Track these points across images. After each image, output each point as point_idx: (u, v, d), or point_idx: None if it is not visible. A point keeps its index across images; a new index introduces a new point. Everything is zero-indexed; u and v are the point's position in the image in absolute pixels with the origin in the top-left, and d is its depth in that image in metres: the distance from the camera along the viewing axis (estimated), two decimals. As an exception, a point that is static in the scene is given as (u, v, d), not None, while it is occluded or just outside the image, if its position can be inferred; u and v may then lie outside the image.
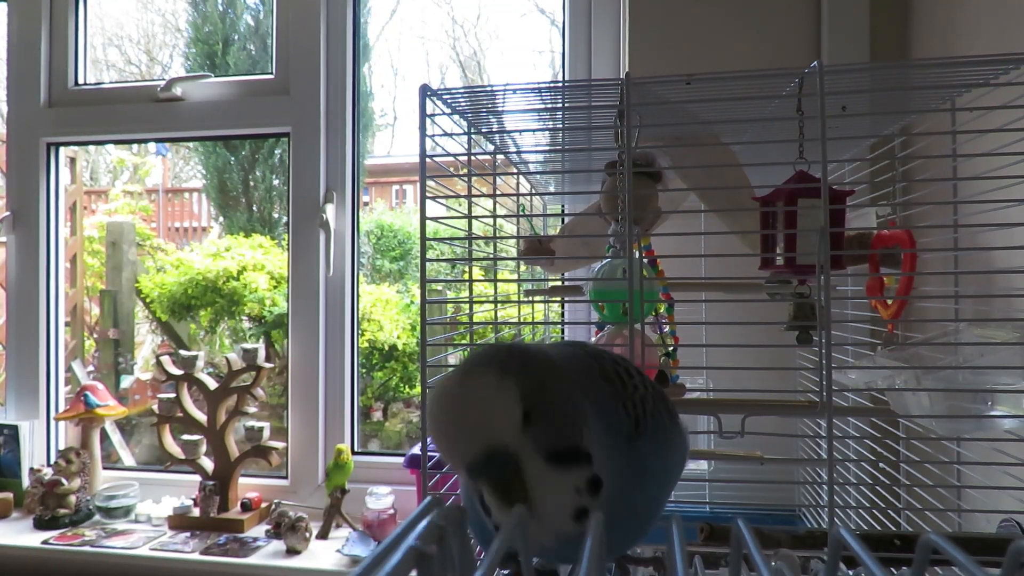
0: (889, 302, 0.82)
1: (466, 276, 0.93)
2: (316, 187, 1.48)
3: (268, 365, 1.44)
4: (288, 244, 1.50)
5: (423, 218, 0.74)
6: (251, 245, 2.53)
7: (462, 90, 0.76)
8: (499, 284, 1.17)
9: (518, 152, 1.04)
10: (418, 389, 0.76)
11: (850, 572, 0.60)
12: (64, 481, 1.40)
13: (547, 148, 1.04)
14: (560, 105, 0.83)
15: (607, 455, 0.40)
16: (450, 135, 0.78)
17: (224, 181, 2.80)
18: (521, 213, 1.19)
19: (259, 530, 1.35)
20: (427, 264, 0.74)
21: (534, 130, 0.93)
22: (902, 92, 0.77)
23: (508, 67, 2.96)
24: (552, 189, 1.27)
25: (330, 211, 1.46)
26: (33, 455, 1.55)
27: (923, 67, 0.72)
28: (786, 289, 0.79)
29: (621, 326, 0.78)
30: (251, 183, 2.81)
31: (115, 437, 2.05)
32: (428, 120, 0.74)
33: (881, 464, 0.89)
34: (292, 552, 1.23)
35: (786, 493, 1.15)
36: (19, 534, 1.34)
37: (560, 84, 0.87)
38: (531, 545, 0.40)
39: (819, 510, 1.06)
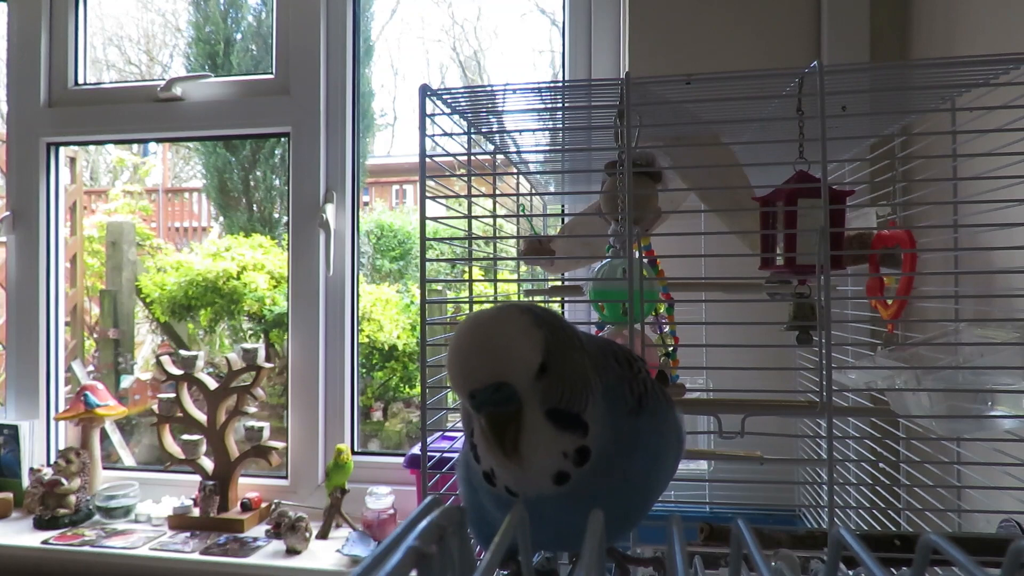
0: (889, 302, 0.82)
1: (466, 276, 0.93)
2: (316, 187, 1.48)
3: (268, 365, 1.44)
4: (288, 244, 1.50)
5: (423, 218, 0.74)
6: (251, 245, 2.53)
7: (462, 90, 0.76)
8: (499, 284, 1.17)
9: (518, 152, 1.04)
10: (418, 389, 0.76)
11: (850, 572, 0.60)
12: (64, 481, 1.40)
13: (547, 148, 1.04)
14: (560, 105, 0.84)
15: (605, 430, 0.41)
16: (450, 135, 0.78)
17: (224, 181, 2.80)
18: (521, 213, 1.19)
19: (259, 530, 1.35)
20: (427, 264, 0.74)
21: (534, 130, 0.93)
22: (902, 92, 0.77)
23: (508, 67, 2.96)
24: (552, 189, 1.26)
25: (330, 211, 1.46)
26: (33, 455, 1.55)
27: (923, 67, 0.72)
28: (786, 289, 0.79)
29: (621, 326, 0.78)
30: (251, 183, 2.81)
31: (115, 437, 2.05)
32: (428, 120, 0.74)
33: (881, 464, 0.89)
34: (292, 552, 1.23)
35: (786, 493, 1.15)
36: (19, 534, 1.34)
37: (560, 84, 0.87)
38: (517, 484, 0.41)
39: (819, 510, 1.06)
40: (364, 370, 2.37)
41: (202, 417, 1.44)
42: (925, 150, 0.92)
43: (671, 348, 0.83)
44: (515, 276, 1.23)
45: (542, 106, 0.83)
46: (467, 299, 0.90)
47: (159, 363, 1.47)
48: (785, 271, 0.74)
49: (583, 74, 1.37)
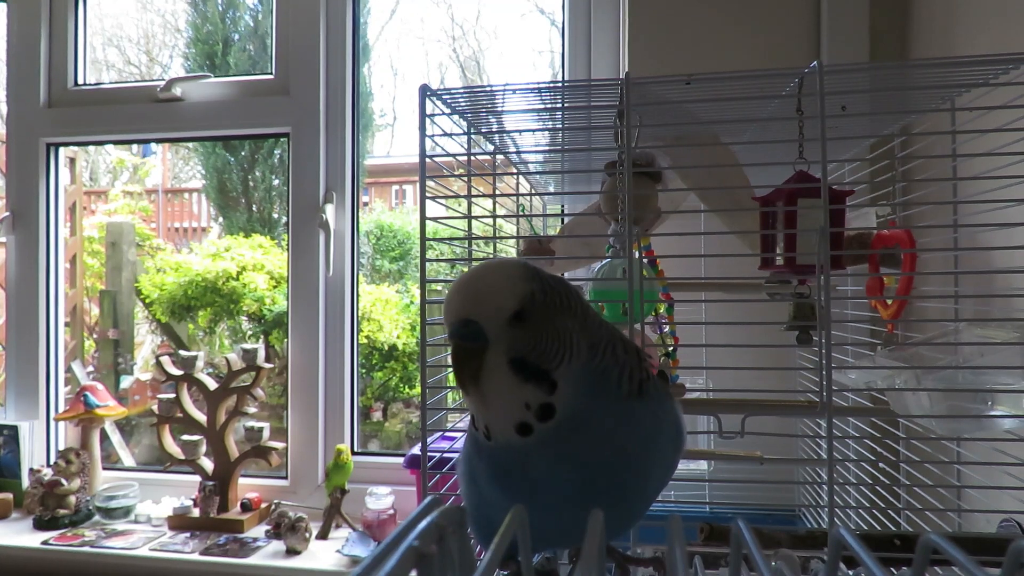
0: (889, 302, 0.82)
1: (466, 276, 0.93)
2: (316, 187, 1.48)
3: (268, 365, 1.44)
4: (288, 244, 1.50)
5: (423, 218, 0.74)
6: (251, 245, 2.53)
7: (462, 90, 0.76)
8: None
9: (518, 152, 1.04)
10: (418, 389, 0.76)
11: (850, 572, 0.60)
12: (64, 481, 1.40)
13: (547, 148, 1.04)
14: (560, 105, 0.84)
15: (582, 398, 0.42)
16: (450, 135, 0.78)
17: (224, 181, 2.80)
18: (521, 213, 1.19)
19: (259, 530, 1.35)
20: (427, 264, 0.74)
21: (534, 130, 0.93)
22: (902, 92, 0.77)
23: (508, 67, 2.96)
24: (552, 189, 1.26)
25: (330, 211, 1.46)
26: (33, 455, 1.54)
27: (923, 67, 0.72)
28: (786, 289, 0.79)
29: (621, 326, 0.78)
30: (251, 183, 2.81)
31: (115, 437, 2.05)
32: (428, 120, 0.74)
33: (881, 464, 0.89)
34: (292, 552, 1.23)
35: (786, 493, 1.15)
36: (19, 534, 1.34)
37: (560, 84, 0.87)
38: (489, 425, 0.43)
39: (819, 510, 1.06)
40: (364, 370, 2.37)
41: (202, 417, 1.44)
42: (925, 150, 0.92)
43: (671, 348, 0.83)
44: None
45: (542, 106, 0.83)
46: (467, 299, 0.90)
47: (159, 363, 1.47)
48: (785, 271, 0.74)
49: (583, 74, 1.37)
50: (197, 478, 1.42)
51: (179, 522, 1.36)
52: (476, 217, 0.83)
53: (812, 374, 1.03)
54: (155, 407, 1.47)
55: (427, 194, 0.74)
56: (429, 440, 0.75)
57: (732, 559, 0.32)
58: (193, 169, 3.27)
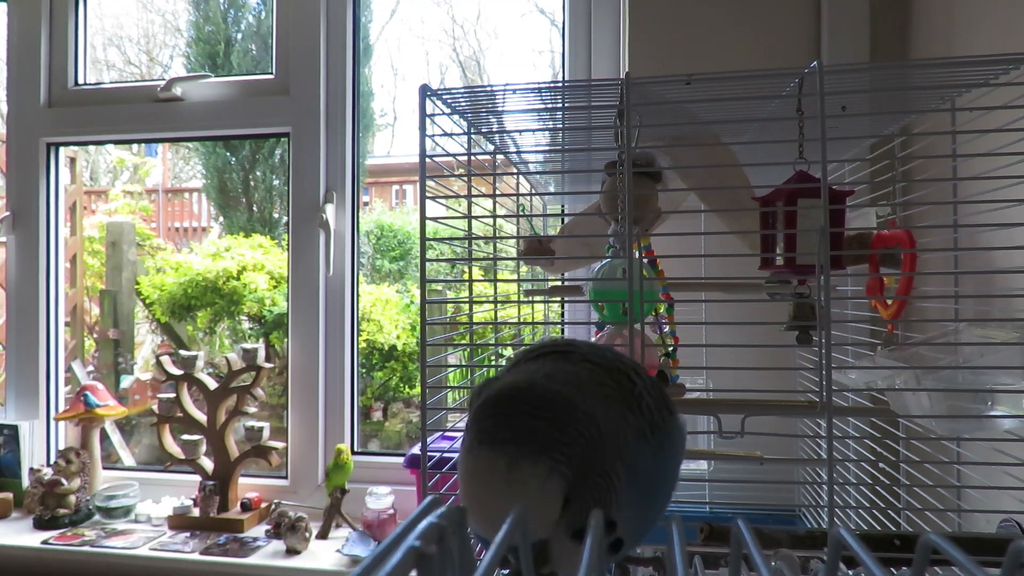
0: (889, 302, 0.82)
1: (466, 276, 0.93)
2: (316, 187, 1.48)
3: (268, 365, 1.44)
4: (288, 244, 1.50)
5: (423, 218, 0.74)
6: (251, 245, 2.53)
7: (462, 90, 0.76)
8: (499, 284, 1.17)
9: (518, 152, 1.04)
10: (418, 389, 0.76)
11: (850, 572, 0.60)
12: (64, 481, 1.40)
13: (547, 148, 1.04)
14: (560, 105, 0.83)
15: (628, 507, 0.40)
16: (450, 135, 0.78)
17: (224, 181, 2.80)
18: (521, 213, 1.19)
19: (259, 530, 1.35)
20: (427, 264, 0.74)
21: (534, 130, 0.93)
22: (902, 92, 0.77)
23: (508, 67, 2.96)
24: (552, 189, 1.27)
25: (330, 211, 1.46)
26: (33, 455, 1.54)
27: (923, 67, 0.72)
28: (786, 289, 0.79)
29: (621, 326, 0.78)
30: (251, 183, 2.81)
31: (115, 437, 2.05)
32: (428, 120, 0.74)
33: (881, 464, 0.89)
34: (292, 552, 1.23)
35: (786, 493, 1.15)
36: (19, 534, 1.34)
37: (560, 84, 0.87)
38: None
39: (819, 510, 1.06)
40: (364, 370, 2.37)
41: (202, 417, 1.44)
42: (925, 150, 0.92)
43: (671, 348, 0.83)
44: (515, 276, 1.23)
45: (542, 106, 0.83)
46: (467, 299, 0.90)
47: (159, 363, 1.47)
48: (785, 271, 0.74)
49: (583, 74, 1.37)
50: (197, 478, 1.42)
51: (179, 522, 1.36)
52: (476, 217, 0.83)
53: (812, 374, 1.03)
54: (155, 407, 1.47)
55: (427, 194, 0.74)
56: (429, 440, 0.75)
57: (732, 559, 0.32)
58: (193, 169, 3.28)
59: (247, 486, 1.45)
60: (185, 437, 1.43)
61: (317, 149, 1.48)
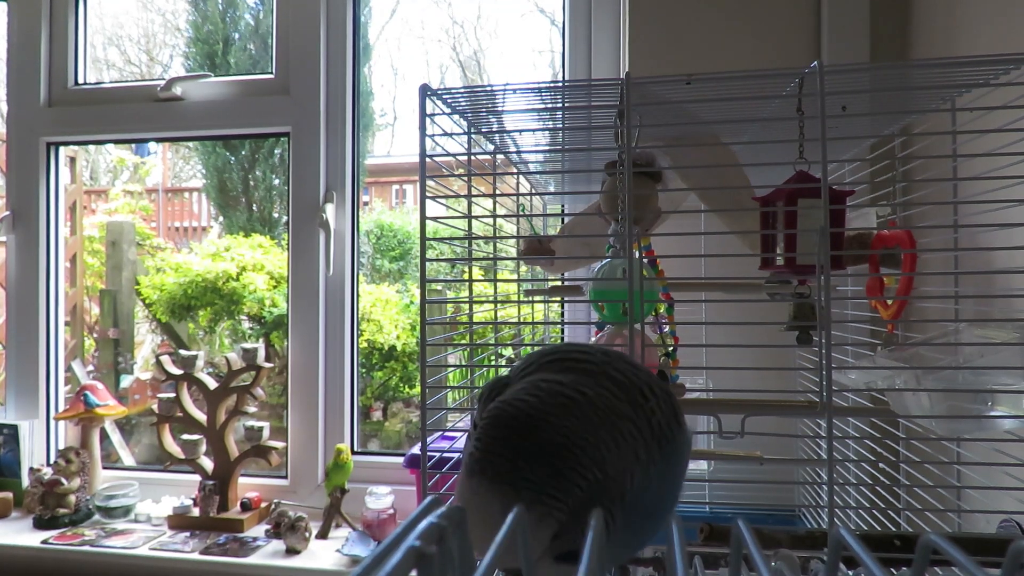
0: (889, 302, 0.82)
1: (466, 276, 0.93)
2: (316, 187, 1.48)
3: (268, 365, 1.44)
4: (288, 244, 1.50)
5: (423, 218, 0.74)
6: (251, 245, 2.53)
7: (462, 90, 0.76)
8: (499, 284, 1.17)
9: (518, 152, 1.04)
10: (418, 389, 0.76)
11: (850, 572, 0.60)
12: (64, 481, 1.40)
13: (547, 148, 1.04)
14: (560, 105, 0.83)
15: (626, 504, 0.40)
16: (450, 135, 0.78)
17: (224, 181, 2.80)
18: (521, 213, 1.19)
19: (259, 530, 1.35)
20: (427, 264, 0.74)
21: (534, 130, 0.93)
22: (902, 92, 0.77)
23: (508, 67, 2.96)
24: (552, 189, 1.26)
25: (330, 211, 1.46)
26: (33, 455, 1.54)
27: (923, 67, 0.72)
28: (786, 289, 0.79)
29: (621, 326, 0.78)
30: (251, 183, 2.81)
31: (115, 437, 2.05)
32: (428, 120, 0.74)
33: (881, 464, 0.89)
34: (292, 552, 1.23)
35: (786, 493, 1.15)
36: (19, 534, 1.34)
37: (560, 84, 0.87)
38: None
39: (819, 510, 1.06)
40: (364, 370, 2.37)
41: (202, 417, 1.44)
42: (925, 150, 0.92)
43: (671, 348, 0.83)
44: (515, 276, 1.23)
45: (542, 106, 0.83)
46: (467, 299, 0.90)
47: (159, 363, 1.47)
48: (785, 271, 0.74)
49: (583, 74, 1.37)
50: (197, 477, 1.42)
51: (179, 521, 1.36)
52: (476, 217, 0.83)
53: (812, 374, 1.03)
54: (155, 406, 1.47)
55: (427, 194, 0.74)
56: (429, 440, 0.75)
57: (732, 559, 0.32)
58: (193, 168, 3.28)
59: (247, 486, 1.45)
60: (185, 437, 1.43)
61: (317, 149, 1.48)
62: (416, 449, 1.18)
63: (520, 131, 0.93)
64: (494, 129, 0.92)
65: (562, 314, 1.39)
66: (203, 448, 1.43)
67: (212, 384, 1.44)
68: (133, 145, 2.97)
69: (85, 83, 1.62)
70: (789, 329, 0.78)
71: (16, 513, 1.45)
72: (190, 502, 1.38)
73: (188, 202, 3.25)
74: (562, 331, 1.38)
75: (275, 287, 2.43)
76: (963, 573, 0.23)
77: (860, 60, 1.14)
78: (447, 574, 0.26)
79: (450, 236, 0.84)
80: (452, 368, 1.06)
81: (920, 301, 0.87)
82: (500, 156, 1.01)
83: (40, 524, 1.37)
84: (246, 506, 1.38)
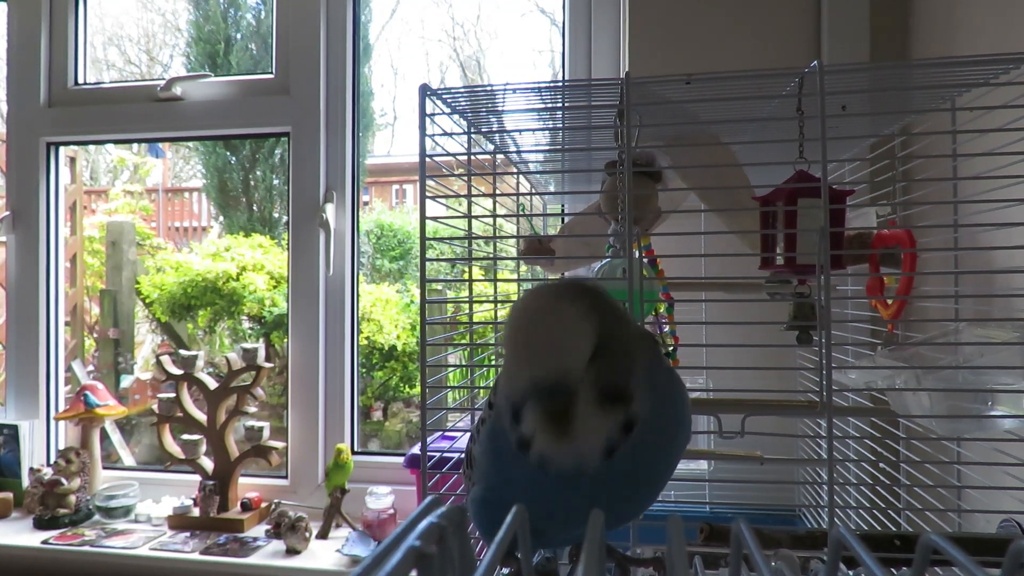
0: (889, 302, 0.82)
1: (466, 276, 0.93)
2: (316, 187, 1.48)
3: (268, 365, 1.44)
4: (288, 244, 1.50)
5: (423, 218, 0.74)
6: (251, 245, 2.53)
7: (462, 90, 0.76)
8: (499, 284, 1.17)
9: (518, 152, 1.04)
10: (418, 389, 0.76)
11: (850, 572, 0.60)
12: (64, 481, 1.40)
13: (547, 148, 1.04)
14: (560, 105, 0.83)
15: (646, 397, 0.43)
16: (450, 135, 0.78)
17: (224, 181, 2.80)
18: (521, 213, 1.19)
19: (259, 530, 1.35)
20: (427, 264, 0.74)
21: (534, 130, 0.92)
22: (902, 92, 0.77)
23: (508, 67, 2.96)
24: (552, 189, 1.26)
25: (330, 211, 1.46)
26: (33, 455, 1.54)
27: (923, 67, 0.72)
28: (786, 289, 0.79)
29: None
30: (251, 183, 2.81)
31: (115, 437, 2.05)
32: (428, 120, 0.74)
33: (881, 464, 0.89)
34: (292, 552, 1.23)
35: (786, 493, 1.15)
36: (19, 534, 1.34)
37: (560, 84, 0.87)
38: (561, 458, 0.41)
39: (819, 510, 1.06)
40: (364, 370, 2.37)
41: (202, 417, 1.44)
42: (925, 150, 0.92)
43: (671, 348, 0.83)
44: (515, 276, 1.23)
45: (542, 106, 0.83)
46: (467, 299, 0.90)
47: (159, 363, 1.47)
48: (785, 271, 0.74)
49: (583, 74, 1.37)
50: (197, 477, 1.42)
51: (179, 522, 1.36)
52: (476, 217, 0.83)
53: (812, 374, 1.03)
54: (155, 406, 1.47)
55: (427, 194, 0.74)
56: (429, 440, 0.75)
57: (732, 559, 0.32)
58: (193, 168, 3.28)
59: (247, 486, 1.45)
60: (185, 437, 1.43)
61: (317, 149, 1.48)
62: (416, 449, 1.18)
63: (520, 131, 0.93)
64: (494, 129, 0.92)
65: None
66: (203, 448, 1.43)
67: (212, 384, 1.44)
68: (146, 146, 2.97)
69: (85, 83, 1.62)
70: (789, 329, 0.78)
71: (16, 513, 1.45)
72: (190, 502, 1.38)
73: (188, 202, 3.25)
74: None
75: (275, 287, 2.43)
76: (963, 573, 0.23)
77: (860, 60, 1.14)
78: (447, 574, 0.26)
79: (450, 236, 0.84)
80: (452, 368, 1.06)
81: (920, 301, 0.87)
82: (500, 156, 1.01)
83: (40, 524, 1.37)
84: (246, 506, 1.38)
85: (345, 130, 1.50)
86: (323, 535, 1.30)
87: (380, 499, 1.29)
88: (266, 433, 1.41)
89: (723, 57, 1.21)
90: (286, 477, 1.49)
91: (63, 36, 1.60)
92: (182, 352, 1.47)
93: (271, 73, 1.52)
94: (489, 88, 0.76)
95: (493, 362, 1.11)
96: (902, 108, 0.83)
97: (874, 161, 0.98)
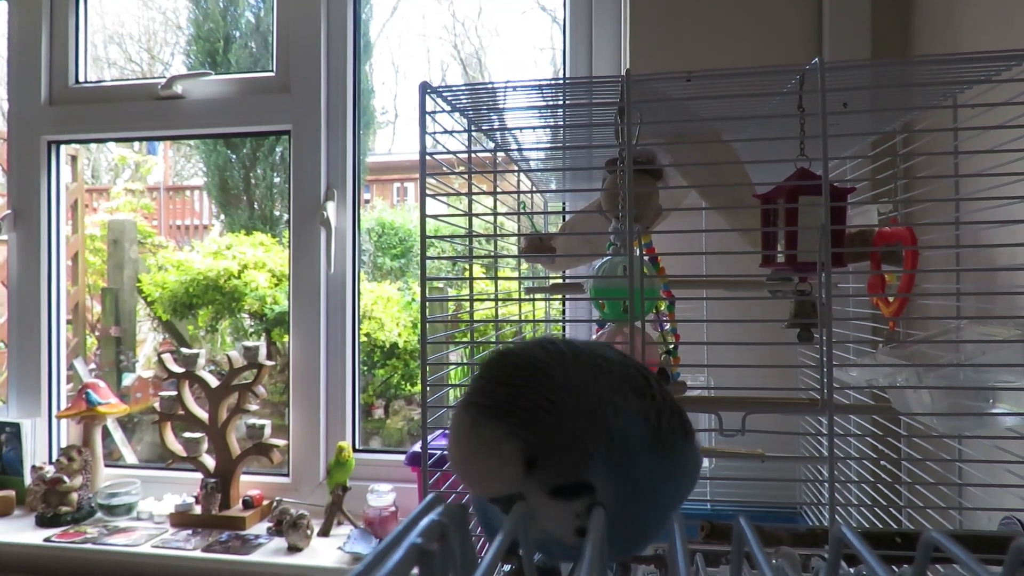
0: (890, 299, 0.82)
1: (467, 274, 0.93)
2: (317, 185, 1.48)
3: (269, 363, 1.44)
4: (289, 242, 1.50)
5: (423, 216, 0.74)
6: (252, 243, 2.53)
7: (463, 87, 0.76)
8: (500, 282, 1.17)
9: (519, 149, 1.03)
10: (419, 386, 0.76)
11: (851, 570, 0.60)
12: (66, 479, 1.40)
13: (548, 145, 1.04)
14: (561, 102, 0.83)
15: (615, 474, 0.41)
16: (451, 132, 0.78)
17: (225, 179, 2.80)
18: (522, 211, 1.19)
19: (261, 527, 1.35)
20: (428, 262, 0.74)
21: (535, 127, 0.92)
22: (903, 89, 0.77)
23: (509, 64, 2.95)
24: (553, 186, 1.26)
25: (331, 209, 1.46)
26: (35, 453, 1.55)
27: (925, 64, 0.72)
28: (787, 286, 0.79)
29: (622, 324, 0.78)
30: (252, 181, 2.81)
31: (117, 435, 2.06)
32: (429, 117, 0.74)
33: (882, 462, 0.89)
34: (293, 549, 1.23)
35: (787, 491, 1.15)
36: (21, 532, 1.35)
37: (561, 81, 0.87)
38: (537, 539, 0.42)
39: (820, 508, 1.06)
40: (365, 368, 2.37)
41: (204, 415, 1.44)
42: (927, 147, 0.92)
43: (672, 345, 0.83)
44: (516, 273, 1.23)
45: (543, 103, 0.82)
46: (468, 296, 0.90)
47: (161, 361, 1.47)
48: (786, 268, 0.74)
49: (584, 71, 1.37)
50: (199, 475, 1.42)
51: (181, 519, 1.36)
52: (477, 215, 0.83)
53: (813, 371, 1.03)
54: (157, 404, 1.47)
55: (428, 192, 0.74)
56: (430, 438, 0.75)
57: (733, 557, 0.32)
58: (194, 167, 3.28)
59: (249, 484, 1.46)
60: (187, 435, 1.43)
61: (318, 147, 1.48)
62: (417, 447, 1.18)
63: (521, 128, 0.93)
64: (495, 127, 0.92)
65: (563, 312, 1.39)
66: (205, 446, 1.44)
67: (214, 382, 1.44)
68: (147, 144, 2.97)
69: (86, 81, 1.62)
70: (790, 326, 0.78)
71: (19, 511, 1.45)
72: (192, 500, 1.39)
73: (189, 200, 3.25)
74: (563, 329, 1.38)
75: (276, 285, 2.43)
76: (964, 570, 0.23)
77: (861, 57, 1.14)
78: (448, 571, 0.26)
79: (451, 234, 0.84)
80: (453, 366, 1.06)
81: (921, 298, 0.87)
82: (501, 154, 1.01)
83: (42, 522, 1.37)
84: (248, 504, 1.39)
85: (346, 128, 1.50)
86: (324, 533, 1.31)
87: (381, 497, 1.29)
88: (267, 431, 1.41)
89: (724, 55, 1.20)
90: (288, 475, 1.49)
91: (64, 34, 1.60)
92: (183, 350, 1.47)
93: (271, 71, 1.52)
94: (490, 86, 0.76)
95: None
96: (903, 105, 0.83)
97: (875, 158, 0.98)
